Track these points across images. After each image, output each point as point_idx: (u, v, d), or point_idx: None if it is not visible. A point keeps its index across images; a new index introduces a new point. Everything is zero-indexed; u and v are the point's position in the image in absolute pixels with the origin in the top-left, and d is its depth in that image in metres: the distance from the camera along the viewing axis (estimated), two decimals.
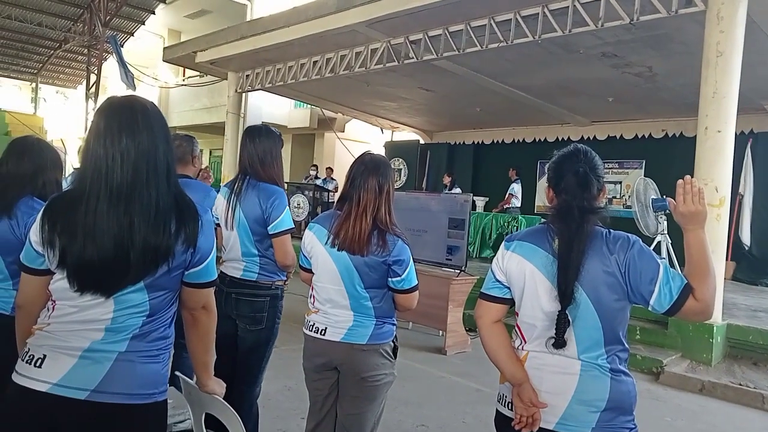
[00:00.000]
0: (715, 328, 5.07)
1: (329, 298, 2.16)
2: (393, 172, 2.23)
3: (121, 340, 1.37)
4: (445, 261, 5.72)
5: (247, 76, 10.51)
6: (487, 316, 1.74)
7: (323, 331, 2.16)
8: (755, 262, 8.81)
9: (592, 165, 1.69)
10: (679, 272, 1.60)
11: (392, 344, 2.18)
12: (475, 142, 13.05)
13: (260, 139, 2.63)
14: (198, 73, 13.57)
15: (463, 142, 13.29)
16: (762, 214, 8.77)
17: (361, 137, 15.09)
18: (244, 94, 11.22)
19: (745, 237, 8.80)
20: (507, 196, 10.45)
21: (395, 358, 2.19)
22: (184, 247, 1.40)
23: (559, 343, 1.59)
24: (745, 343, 5.22)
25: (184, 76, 16.83)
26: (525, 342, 1.68)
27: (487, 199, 10.79)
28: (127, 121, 1.38)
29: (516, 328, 1.72)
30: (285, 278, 2.71)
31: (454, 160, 13.18)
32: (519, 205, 10.39)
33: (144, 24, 14.74)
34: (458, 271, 5.60)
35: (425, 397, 4.18)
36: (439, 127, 13.66)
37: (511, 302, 1.73)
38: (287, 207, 2.58)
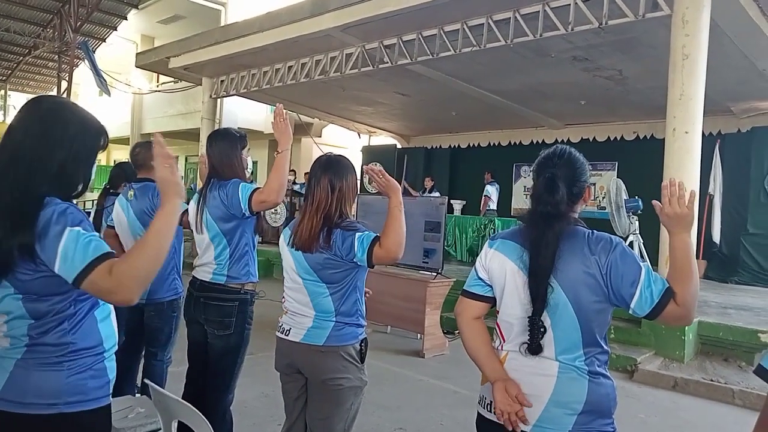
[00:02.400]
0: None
1: (294, 298, 2.19)
2: (351, 171, 2.21)
3: (18, 346, 1.35)
4: (421, 264, 5.73)
5: (222, 81, 10.44)
6: (467, 313, 1.75)
7: (287, 332, 2.19)
8: (725, 260, 9.01)
9: (570, 167, 1.68)
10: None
11: (357, 348, 2.13)
12: (452, 146, 13.14)
13: (216, 141, 2.69)
14: (172, 79, 13.41)
15: (440, 146, 13.37)
16: (731, 213, 8.98)
17: (339, 142, 15.07)
18: (219, 100, 11.14)
19: (716, 236, 9.00)
20: (483, 198, 10.53)
21: (362, 362, 2.15)
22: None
23: (533, 348, 1.58)
24: (715, 339, 5.33)
25: (158, 82, 16.62)
26: (504, 341, 1.68)
27: (465, 202, 10.86)
28: (19, 115, 1.41)
29: (496, 327, 1.72)
30: (257, 280, 2.70)
31: (431, 164, 13.25)
32: (495, 207, 10.48)
33: (116, 30, 14.52)
34: (435, 274, 5.62)
35: (403, 400, 4.18)
36: (415, 132, 13.72)
37: (492, 301, 1.73)
38: (241, 182, 2.56)
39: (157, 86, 16.63)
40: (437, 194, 10.50)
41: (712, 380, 4.74)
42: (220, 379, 2.61)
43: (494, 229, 9.29)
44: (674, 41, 5.17)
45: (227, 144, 2.68)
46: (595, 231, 1.63)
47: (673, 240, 1.59)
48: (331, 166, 2.18)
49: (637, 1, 5.44)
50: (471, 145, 12.73)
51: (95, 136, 1.47)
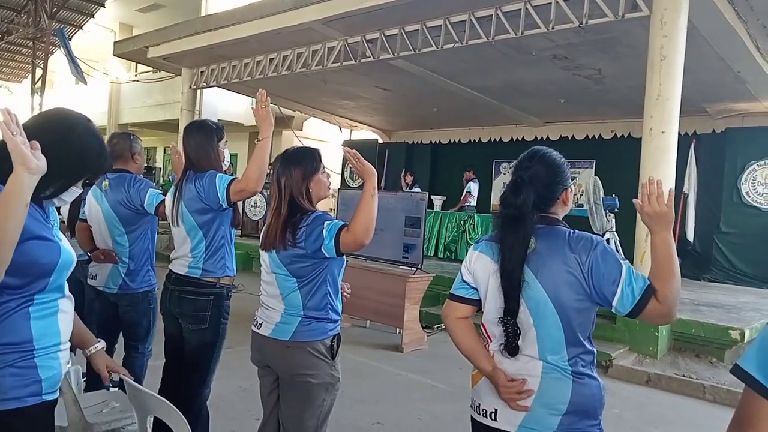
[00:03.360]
0: None
1: (267, 291, 2.19)
2: (298, 162, 2.15)
3: None
4: (401, 259, 5.75)
5: (202, 72, 10.30)
6: (453, 315, 1.76)
7: (260, 326, 2.18)
8: (698, 258, 9.19)
9: (543, 169, 1.68)
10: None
11: (328, 344, 2.10)
12: (433, 142, 13.17)
13: (192, 133, 2.67)
14: (151, 69, 13.21)
15: (421, 142, 13.40)
16: (704, 212, 9.15)
17: (320, 136, 15.00)
18: (199, 91, 11.00)
19: (690, 234, 9.17)
20: (464, 194, 10.58)
21: (333, 358, 2.12)
22: None
23: (510, 349, 1.60)
24: (688, 336, 5.44)
25: (136, 71, 16.35)
26: (489, 341, 1.70)
27: (445, 197, 10.90)
28: None
29: (482, 327, 1.73)
30: (234, 274, 2.68)
31: (412, 160, 13.27)
32: (474, 203, 10.54)
33: (93, 17, 14.24)
34: (414, 269, 5.63)
35: (381, 395, 4.19)
36: (397, 127, 13.73)
37: (477, 303, 1.74)
38: (217, 174, 2.54)
39: (136, 76, 16.37)
40: (418, 189, 10.52)
41: (684, 376, 4.84)
42: (196, 373, 2.59)
43: (473, 225, 9.35)
44: (652, 42, 5.24)
45: (204, 136, 2.66)
46: (576, 230, 1.64)
47: (654, 238, 1.60)
48: (277, 162, 2.17)
49: (617, 2, 5.50)
50: (452, 141, 12.78)
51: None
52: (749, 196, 8.55)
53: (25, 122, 1.39)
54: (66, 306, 1.48)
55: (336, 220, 2.07)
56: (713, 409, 4.33)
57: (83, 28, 14.53)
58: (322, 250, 2.02)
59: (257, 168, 2.43)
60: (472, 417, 1.73)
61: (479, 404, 1.67)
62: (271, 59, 8.90)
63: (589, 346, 1.61)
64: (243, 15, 8.09)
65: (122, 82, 16.90)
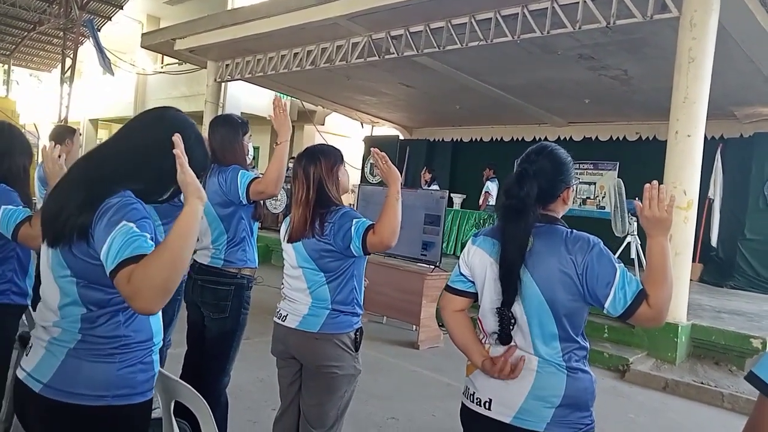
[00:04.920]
0: (680, 327, 5.21)
1: (292, 285, 2.23)
2: (326, 155, 2.21)
3: (71, 335, 1.36)
4: (420, 256, 5.76)
5: (227, 65, 10.41)
6: (450, 307, 1.80)
7: (284, 318, 2.23)
8: (721, 264, 9.05)
9: (548, 164, 1.69)
10: (640, 275, 1.64)
11: (352, 336, 2.17)
12: (454, 140, 13.12)
13: (218, 127, 2.71)
14: (177, 61, 13.36)
15: (442, 139, 13.36)
16: (729, 218, 9.00)
17: (341, 131, 15.05)
18: (223, 84, 11.12)
19: (714, 240, 9.03)
20: (483, 194, 10.54)
21: (356, 351, 2.19)
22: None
23: (503, 338, 1.63)
24: (708, 343, 5.37)
25: (162, 63, 16.55)
26: (486, 336, 1.72)
27: (465, 196, 10.86)
28: (143, 116, 1.59)
29: (478, 321, 1.76)
30: (255, 266, 2.72)
31: (432, 157, 13.25)
32: (494, 203, 10.49)
33: (122, 9, 14.46)
34: (433, 267, 5.65)
35: (396, 391, 4.22)
36: (418, 124, 13.70)
37: (473, 296, 1.77)
38: (241, 170, 2.58)
39: (162, 67, 16.57)
40: (436, 187, 10.50)
41: (702, 383, 4.78)
42: (216, 361, 2.64)
43: (492, 224, 9.31)
44: (681, 44, 5.17)
45: (229, 130, 2.71)
46: (574, 230, 1.65)
47: (650, 242, 1.61)
48: (303, 156, 2.23)
49: (646, 2, 5.43)
50: (473, 139, 12.71)
51: (203, 156, 1.55)
52: None
53: (138, 121, 1.52)
54: None
55: (364, 219, 2.11)
56: (731, 417, 4.28)
57: (112, 19, 14.76)
58: (351, 248, 2.08)
59: (276, 171, 2.49)
60: (463, 404, 1.75)
61: (473, 393, 1.69)
62: (296, 54, 8.96)
63: (582, 342, 1.64)
64: (268, 9, 8.15)
65: (148, 73, 17.13)
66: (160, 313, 1.48)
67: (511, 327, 1.61)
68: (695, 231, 5.47)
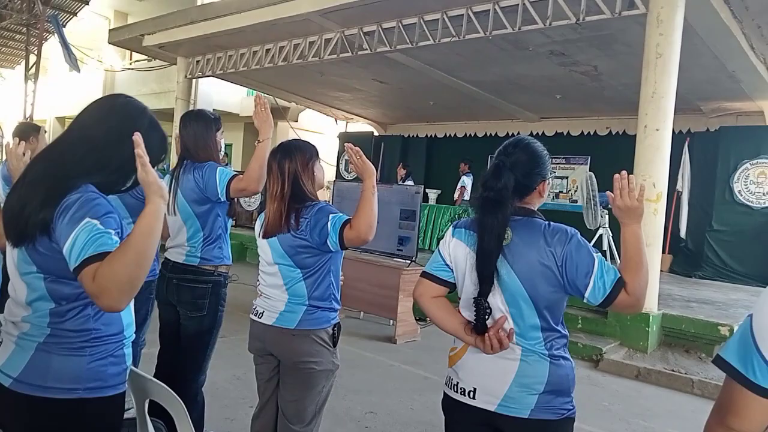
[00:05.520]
0: (651, 317, 5.33)
1: (268, 281, 2.21)
2: (301, 150, 2.20)
3: (40, 330, 1.35)
4: (396, 251, 5.78)
5: (198, 61, 10.26)
6: (428, 293, 1.79)
7: (261, 315, 2.22)
8: (690, 255, 9.28)
9: (525, 157, 1.70)
10: (616, 265, 1.67)
11: (330, 332, 2.17)
12: (429, 135, 13.17)
13: (190, 123, 2.68)
14: (146, 57, 13.12)
15: (417, 135, 13.40)
16: (697, 210, 9.22)
17: (316, 127, 14.97)
18: (194, 80, 10.96)
19: (682, 231, 9.26)
20: (458, 189, 10.61)
21: (334, 346, 2.18)
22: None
23: (479, 328, 1.64)
24: (678, 331, 5.50)
25: (131, 59, 16.24)
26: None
27: (440, 191, 10.92)
28: (94, 105, 1.53)
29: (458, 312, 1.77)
30: (230, 263, 2.70)
31: (407, 153, 13.28)
32: (469, 198, 10.58)
33: (88, 4, 14.09)
34: (409, 262, 5.67)
35: (374, 385, 4.23)
36: (393, 120, 13.72)
37: (451, 286, 1.78)
38: (218, 167, 2.56)
39: (130, 64, 16.26)
40: (411, 183, 10.54)
41: (673, 370, 4.90)
42: (192, 360, 2.61)
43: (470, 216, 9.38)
44: (648, 40, 5.27)
45: (202, 126, 2.67)
46: (551, 223, 1.67)
47: (624, 231, 1.65)
48: (278, 151, 2.21)
49: None
50: (447, 135, 12.79)
51: (161, 141, 1.53)
52: (741, 195, 8.62)
53: (89, 113, 1.47)
54: None
55: (340, 214, 2.11)
56: (701, 403, 4.39)
57: (78, 15, 14.40)
58: (328, 243, 2.07)
59: (258, 169, 2.45)
60: (445, 395, 1.76)
61: (457, 382, 1.70)
62: (268, 50, 8.88)
63: (562, 330, 1.68)
64: (239, 5, 8.06)
65: (117, 70, 16.79)
66: (131, 306, 1.48)
67: (487, 317, 1.63)
68: (665, 223, 5.59)
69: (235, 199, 2.73)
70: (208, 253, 2.60)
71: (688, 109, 8.65)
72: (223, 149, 2.79)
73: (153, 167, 1.37)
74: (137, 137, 1.31)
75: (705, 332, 5.36)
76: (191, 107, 10.63)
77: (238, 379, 3.96)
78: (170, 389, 1.56)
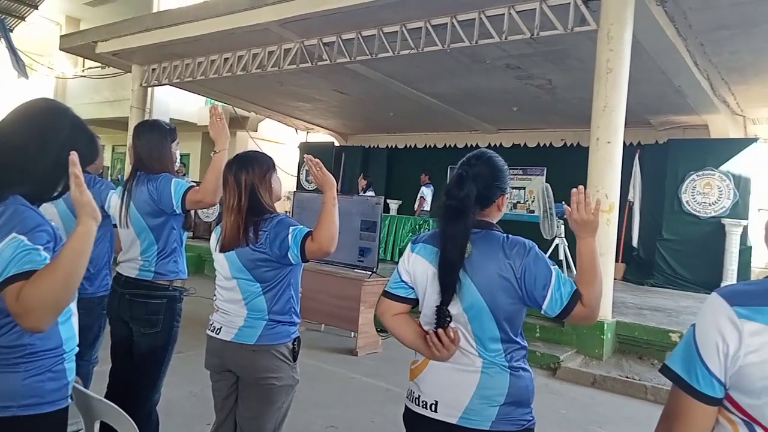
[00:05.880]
0: (605, 325, 5.46)
1: (226, 296, 2.17)
2: (257, 162, 2.17)
3: None
4: (357, 263, 5.76)
5: (153, 69, 10.05)
6: (389, 312, 1.79)
7: (218, 330, 2.17)
8: (642, 263, 9.57)
9: (486, 169, 1.73)
10: (572, 275, 1.70)
11: (290, 346, 2.14)
12: (389, 146, 13.26)
13: (144, 134, 2.61)
14: (99, 65, 12.79)
15: (377, 146, 13.47)
16: (648, 219, 9.54)
17: (276, 137, 14.84)
18: (150, 89, 10.73)
19: (634, 240, 9.56)
20: (418, 199, 10.70)
21: (294, 360, 2.15)
22: None
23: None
24: (631, 338, 5.66)
25: (83, 66, 15.78)
26: None
27: (401, 202, 10.99)
28: (13, 113, 1.42)
29: None
30: (186, 277, 2.63)
31: (368, 163, 13.33)
32: (429, 208, 10.67)
33: (37, 9, 13.64)
34: (370, 273, 5.66)
35: (335, 399, 4.19)
36: (353, 130, 13.75)
37: (413, 302, 1.78)
38: (173, 178, 2.51)
39: (83, 71, 15.79)
40: (372, 193, 10.56)
41: (627, 377, 5.02)
42: (146, 378, 2.53)
43: (428, 229, 9.44)
44: (599, 55, 5.44)
45: (156, 137, 2.61)
46: (510, 235, 1.70)
47: (579, 244, 1.69)
48: (234, 163, 2.17)
49: (567, 15, 5.70)
50: (408, 146, 12.90)
51: (88, 142, 1.46)
52: (689, 205, 8.95)
53: (9, 119, 1.39)
54: (74, 309, 1.48)
55: (301, 227, 2.08)
56: (654, 408, 4.51)
57: (26, 19, 13.92)
58: (289, 256, 2.04)
59: (215, 180, 2.39)
60: (407, 408, 1.76)
61: (419, 395, 1.70)
62: (226, 59, 8.77)
63: (521, 342, 1.70)
64: (196, 13, 7.95)
65: (68, 77, 16.29)
66: (73, 319, 1.44)
67: (446, 326, 1.63)
68: (617, 232, 5.76)
69: (191, 211, 2.67)
70: (162, 267, 2.53)
71: (638, 123, 8.97)
72: (178, 160, 2.74)
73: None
74: (73, 156, 1.27)
75: (657, 339, 5.52)
76: (147, 116, 10.40)
77: (194, 396, 3.86)
78: (120, 409, 1.50)
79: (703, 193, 8.86)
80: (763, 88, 7.86)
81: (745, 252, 8.56)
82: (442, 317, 1.62)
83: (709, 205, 8.78)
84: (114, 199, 2.64)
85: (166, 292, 2.54)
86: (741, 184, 8.54)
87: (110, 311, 2.63)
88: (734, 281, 8.17)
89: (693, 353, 1.07)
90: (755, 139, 8.84)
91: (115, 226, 2.67)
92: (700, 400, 1.05)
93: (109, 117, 14.78)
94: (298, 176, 13.59)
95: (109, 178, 15.04)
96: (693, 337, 1.08)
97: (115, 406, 1.51)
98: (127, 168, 10.32)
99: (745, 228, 8.47)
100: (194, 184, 2.55)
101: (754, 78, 7.46)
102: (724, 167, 8.65)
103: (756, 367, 0.99)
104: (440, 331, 1.60)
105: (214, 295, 2.25)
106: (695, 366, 1.06)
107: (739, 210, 8.52)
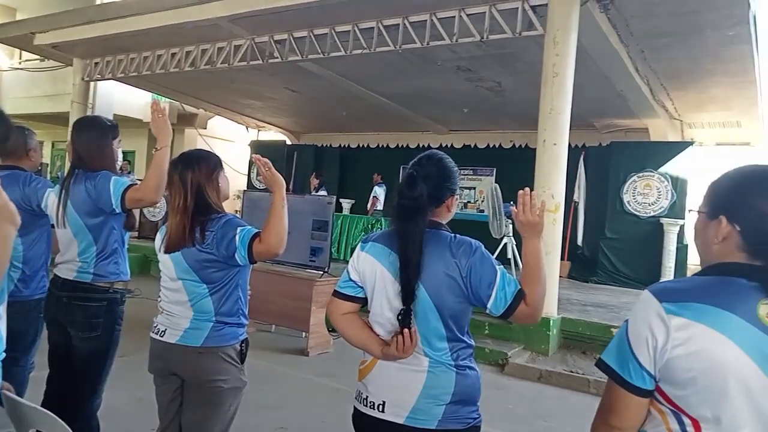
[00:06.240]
0: (551, 321, 5.62)
1: (171, 298, 2.12)
2: (203, 161, 2.13)
3: None
4: (308, 262, 5.72)
5: (96, 63, 9.69)
6: (338, 312, 1.79)
7: (163, 333, 2.11)
8: (586, 261, 9.90)
9: (436, 170, 1.75)
10: (520, 272, 1.74)
11: (238, 348, 2.10)
12: (342, 146, 13.24)
13: (83, 131, 2.52)
14: (38, 57, 12.21)
15: (330, 145, 13.41)
16: (592, 219, 9.87)
17: (226, 135, 14.56)
18: (92, 83, 10.33)
19: (579, 239, 9.88)
20: (371, 199, 10.72)
21: (242, 362, 2.12)
22: None
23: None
24: (576, 334, 5.85)
25: (20, 58, 15.04)
26: None
27: (353, 201, 10.98)
28: None
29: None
30: (128, 279, 2.55)
31: (321, 163, 13.25)
32: (381, 208, 10.71)
33: None
34: (321, 273, 5.63)
35: (285, 399, 4.16)
36: (306, 129, 13.65)
37: (363, 301, 1.78)
38: (112, 176, 2.43)
39: (20, 63, 15.06)
40: (324, 193, 10.51)
41: (571, 371, 5.18)
42: (86, 383, 2.43)
43: (381, 228, 9.48)
44: (546, 59, 5.59)
45: (96, 134, 2.51)
46: (457, 235, 1.72)
47: (525, 245, 1.73)
48: (179, 161, 2.12)
49: (515, 20, 5.84)
50: (360, 145, 12.91)
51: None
52: (630, 205, 9.32)
53: None
54: (2, 312, 1.42)
55: (249, 227, 2.04)
56: (596, 401, 4.51)
57: None
58: (236, 258, 2.01)
59: (156, 178, 2.32)
60: (355, 409, 1.76)
61: (367, 396, 1.71)
62: (173, 54, 8.55)
63: (468, 341, 1.72)
64: (143, 6, 7.71)
65: (3, 69, 15.49)
66: (1, 322, 1.38)
67: (411, 326, 1.63)
68: (563, 231, 5.94)
69: (133, 211, 2.59)
70: (102, 268, 2.44)
71: (583, 125, 9.27)
72: (120, 158, 2.65)
73: None
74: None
75: (599, 334, 5.72)
76: (89, 112, 10.02)
77: (139, 401, 3.74)
78: (56, 416, 1.45)
79: (643, 194, 9.23)
80: (698, 94, 8.26)
81: (682, 250, 8.98)
82: (407, 318, 1.62)
83: (649, 205, 9.16)
84: (51, 198, 2.52)
85: (106, 294, 2.45)
86: (678, 186, 8.95)
87: (47, 315, 2.52)
88: (672, 278, 8.56)
89: (625, 348, 1.12)
90: (691, 143, 9.30)
91: (53, 226, 2.56)
92: (633, 392, 1.11)
93: (49, 112, 14.14)
94: (249, 175, 13.39)
95: (48, 175, 14.38)
96: (626, 332, 1.14)
97: (50, 413, 1.45)
98: (68, 165, 9.86)
99: (682, 227, 8.87)
100: (137, 182, 2.47)
101: (690, 84, 7.83)
102: (662, 169, 9.05)
103: (682, 360, 1.04)
104: (406, 331, 1.60)
105: (159, 296, 2.19)
106: (627, 360, 1.11)
107: (677, 210, 8.93)
